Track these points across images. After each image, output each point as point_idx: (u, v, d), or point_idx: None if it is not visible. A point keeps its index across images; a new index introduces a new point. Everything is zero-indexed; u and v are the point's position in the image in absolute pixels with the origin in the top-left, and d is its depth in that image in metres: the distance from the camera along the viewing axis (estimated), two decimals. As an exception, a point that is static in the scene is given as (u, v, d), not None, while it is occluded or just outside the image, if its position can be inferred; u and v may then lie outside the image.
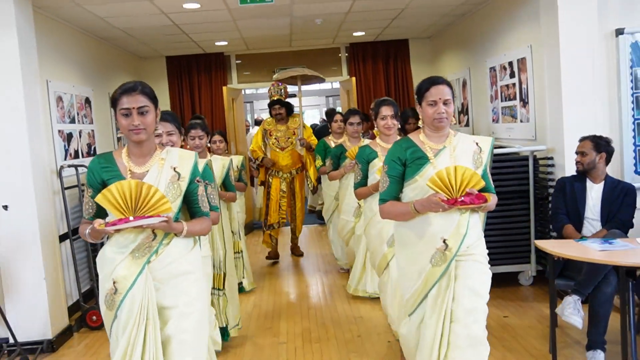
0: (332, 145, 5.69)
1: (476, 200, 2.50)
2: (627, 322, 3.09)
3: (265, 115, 10.89)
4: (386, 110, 4.01)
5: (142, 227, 2.32)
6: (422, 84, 2.73)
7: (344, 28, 7.15)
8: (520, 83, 5.27)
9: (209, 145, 4.43)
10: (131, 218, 2.27)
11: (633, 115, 4.43)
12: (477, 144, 2.75)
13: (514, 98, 5.44)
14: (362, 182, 3.97)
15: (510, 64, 5.45)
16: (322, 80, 7.04)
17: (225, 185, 4.28)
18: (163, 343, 2.39)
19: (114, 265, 2.39)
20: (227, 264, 4.01)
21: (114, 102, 2.42)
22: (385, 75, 8.38)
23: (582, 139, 3.75)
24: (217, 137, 5.15)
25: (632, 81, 4.41)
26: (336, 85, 11.45)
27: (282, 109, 6.46)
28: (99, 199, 2.30)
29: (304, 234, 7.73)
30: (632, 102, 4.42)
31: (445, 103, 2.66)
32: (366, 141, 4.71)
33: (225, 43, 7.64)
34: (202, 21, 6.04)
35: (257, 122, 11.61)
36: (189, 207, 2.57)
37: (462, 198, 2.50)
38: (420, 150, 2.71)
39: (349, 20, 6.59)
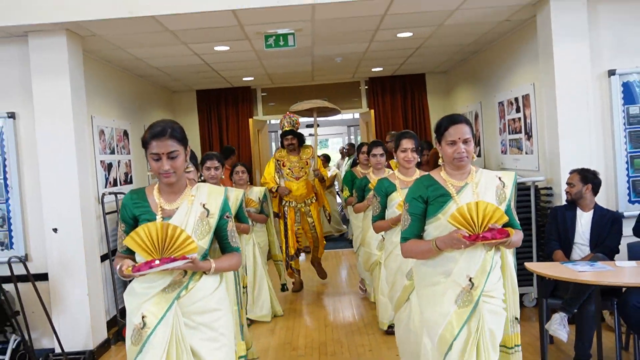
0: (360, 176, 5.70)
1: (498, 235, 2.44)
2: (600, 338, 3.43)
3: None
4: (407, 143, 3.97)
5: (168, 270, 2.36)
6: (441, 123, 2.70)
7: (363, 65, 7.63)
8: (525, 118, 5.66)
9: (222, 177, 4.50)
10: (157, 262, 2.30)
11: (626, 149, 4.78)
12: (499, 179, 2.70)
13: (520, 131, 5.82)
14: (380, 215, 3.94)
15: (516, 99, 5.85)
16: (337, 113, 7.07)
17: (239, 217, 4.30)
18: None
19: (144, 300, 2.41)
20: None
21: (144, 144, 2.44)
22: (403, 107, 8.81)
23: (572, 172, 4.12)
24: (239, 168, 5.35)
25: (624, 117, 4.77)
26: (357, 115, 11.94)
27: (294, 140, 6.44)
28: (127, 241, 2.36)
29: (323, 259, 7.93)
30: (625, 137, 4.78)
31: (465, 142, 2.62)
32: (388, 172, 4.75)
33: (252, 78, 8.18)
34: (231, 60, 6.58)
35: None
36: (219, 242, 2.60)
37: (484, 234, 2.45)
38: (442, 187, 2.67)
39: (367, 57, 7.06)
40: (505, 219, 2.50)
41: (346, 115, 12.88)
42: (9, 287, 4.49)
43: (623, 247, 4.12)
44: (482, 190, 2.64)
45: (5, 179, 4.70)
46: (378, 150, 5.07)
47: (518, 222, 2.71)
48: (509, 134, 6.15)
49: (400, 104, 8.81)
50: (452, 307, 2.54)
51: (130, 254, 2.49)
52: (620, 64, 4.77)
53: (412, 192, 2.73)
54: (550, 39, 4.65)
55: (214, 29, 5.01)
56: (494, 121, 6.61)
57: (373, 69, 8.16)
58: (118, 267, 2.41)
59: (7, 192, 4.72)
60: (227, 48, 5.81)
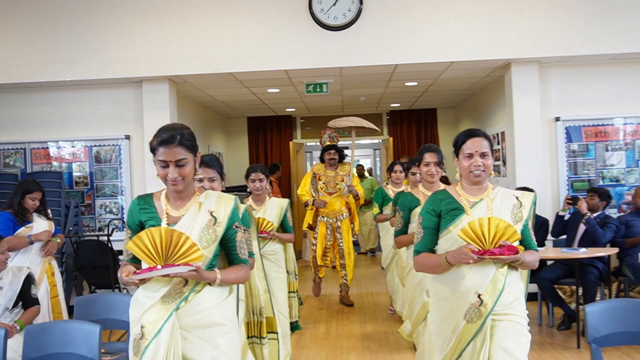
0: (390, 193, 5.86)
1: (506, 252, 2.41)
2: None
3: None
4: (430, 157, 3.95)
5: (170, 276, 2.26)
6: (459, 137, 2.69)
7: (383, 101, 9.47)
8: (502, 149, 7.40)
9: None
10: (159, 267, 2.23)
11: (567, 176, 6.47)
12: (517, 198, 2.67)
13: (499, 159, 7.56)
14: (402, 230, 3.91)
15: (497, 134, 7.59)
16: (375, 131, 6.88)
17: (283, 226, 4.44)
18: None
19: (144, 310, 2.32)
20: (279, 305, 4.05)
21: (153, 150, 2.37)
22: (417, 136, 10.60)
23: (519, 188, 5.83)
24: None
25: (566, 152, 6.46)
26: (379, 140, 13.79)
27: (336, 155, 6.53)
28: (130, 246, 2.27)
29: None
30: (567, 167, 6.47)
31: (482, 156, 2.60)
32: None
33: (293, 109, 10.10)
34: (279, 98, 8.51)
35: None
36: (227, 253, 2.50)
37: (492, 249, 2.42)
38: (456, 201, 2.66)
39: (385, 97, 8.90)
40: (518, 237, 2.49)
41: (372, 140, 14.77)
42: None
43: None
44: (497, 207, 2.62)
45: (121, 181, 6.66)
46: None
47: (535, 243, 2.70)
48: (494, 160, 7.89)
49: (415, 133, 10.60)
50: (461, 322, 2.53)
51: (135, 262, 2.42)
52: (564, 112, 6.47)
53: (427, 206, 2.73)
54: (512, 92, 6.41)
55: (270, 79, 6.94)
56: (484, 150, 8.35)
57: (392, 105, 9.99)
58: (120, 274, 2.35)
59: (122, 191, 6.66)
60: (277, 90, 7.74)
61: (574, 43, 6.00)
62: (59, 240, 4.88)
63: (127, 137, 6.64)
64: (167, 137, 2.34)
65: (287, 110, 10.18)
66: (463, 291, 2.54)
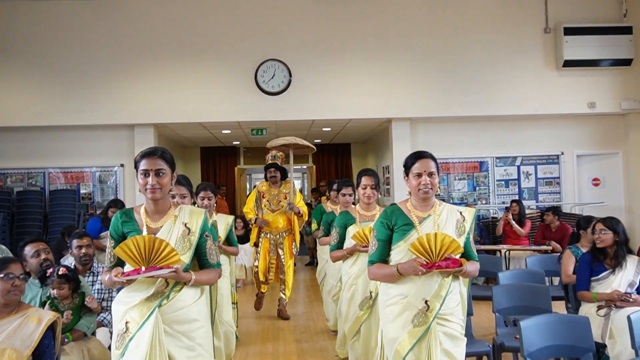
0: (328, 209, 6.06)
1: (451, 265, 2.62)
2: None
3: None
4: (367, 180, 4.13)
5: (153, 277, 2.49)
6: (409, 159, 2.91)
7: (307, 138, 12.32)
8: (391, 177, 10.41)
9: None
10: (143, 269, 2.46)
11: (428, 196, 9.54)
12: (461, 213, 2.87)
13: (388, 184, 10.55)
14: (337, 246, 4.08)
15: (387, 166, 10.60)
16: (312, 150, 7.18)
17: (229, 240, 4.61)
18: None
19: (128, 307, 2.53)
20: (225, 315, 4.30)
21: (136, 164, 2.64)
22: (335, 165, 13.52)
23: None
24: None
25: (428, 180, 9.53)
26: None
27: (277, 172, 6.68)
28: (117, 251, 2.49)
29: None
30: (428, 190, 9.54)
31: (430, 175, 2.80)
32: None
33: (238, 142, 12.84)
34: (229, 136, 11.26)
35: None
36: (199, 259, 2.74)
37: (439, 262, 2.62)
38: (406, 217, 2.83)
39: (309, 136, 11.76)
40: (461, 250, 2.71)
41: (301, 165, 17.72)
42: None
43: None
44: (443, 222, 2.82)
45: (116, 197, 9.19)
46: (347, 190, 5.10)
47: (476, 254, 2.90)
48: (386, 185, 10.90)
49: (334, 163, 13.54)
50: (408, 325, 2.72)
51: (117, 266, 2.64)
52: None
53: (380, 220, 2.90)
54: (392, 139, 9.43)
55: (226, 125, 9.70)
56: (381, 177, 11.37)
57: (315, 140, 12.90)
58: (107, 276, 2.59)
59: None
60: (229, 131, 10.51)
61: (433, 108, 9.07)
62: None
63: (122, 165, 9.21)
64: (150, 151, 2.67)
65: (234, 143, 12.90)
66: (413, 297, 2.75)
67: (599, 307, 4.00)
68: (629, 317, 3.47)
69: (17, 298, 2.99)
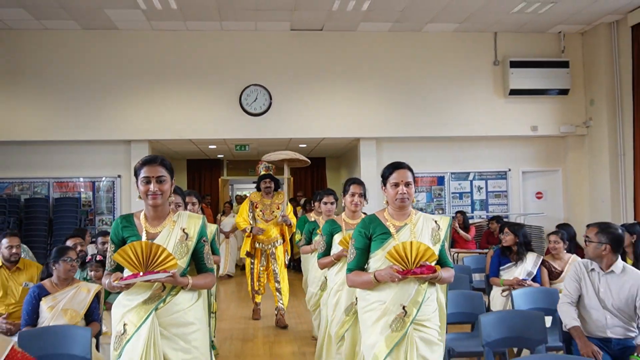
0: (312, 219, 6.01)
1: (426, 271, 2.73)
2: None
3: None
4: (355, 188, 4.24)
5: (151, 282, 2.57)
6: (386, 169, 3.02)
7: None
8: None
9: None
10: (141, 274, 2.53)
11: (392, 206, 10.77)
12: (436, 222, 2.97)
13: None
14: (324, 253, 4.13)
15: (357, 180, 11.81)
16: (306, 164, 7.20)
17: (212, 248, 4.38)
18: None
19: (126, 310, 2.64)
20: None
21: (136, 171, 2.73)
22: (311, 177, 14.68)
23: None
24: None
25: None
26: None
27: (271, 183, 6.83)
28: (116, 257, 2.56)
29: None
30: (392, 201, 10.77)
31: (406, 185, 2.90)
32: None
33: (222, 155, 13.98)
34: (215, 150, 12.41)
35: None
36: (196, 263, 2.82)
37: (415, 269, 2.73)
38: (384, 226, 2.93)
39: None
40: (435, 257, 2.82)
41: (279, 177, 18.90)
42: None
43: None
44: (419, 231, 2.94)
45: (114, 209, 10.25)
46: (329, 199, 5.23)
47: (451, 261, 3.02)
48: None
49: (310, 175, 14.70)
50: (386, 330, 2.81)
51: (117, 271, 2.73)
52: (390, 169, 10.79)
53: (358, 229, 3.01)
54: (360, 156, 10.64)
55: (212, 142, 10.85)
56: (352, 189, 12.56)
57: (293, 155, 14.10)
58: (107, 281, 2.67)
59: (114, 211, 10.27)
60: (215, 147, 11.66)
61: (397, 129, 10.29)
62: None
63: (119, 176, 10.30)
64: (150, 158, 2.74)
65: (218, 156, 14.03)
66: (390, 303, 2.81)
67: (504, 290, 5.26)
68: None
69: (73, 274, 4.07)
